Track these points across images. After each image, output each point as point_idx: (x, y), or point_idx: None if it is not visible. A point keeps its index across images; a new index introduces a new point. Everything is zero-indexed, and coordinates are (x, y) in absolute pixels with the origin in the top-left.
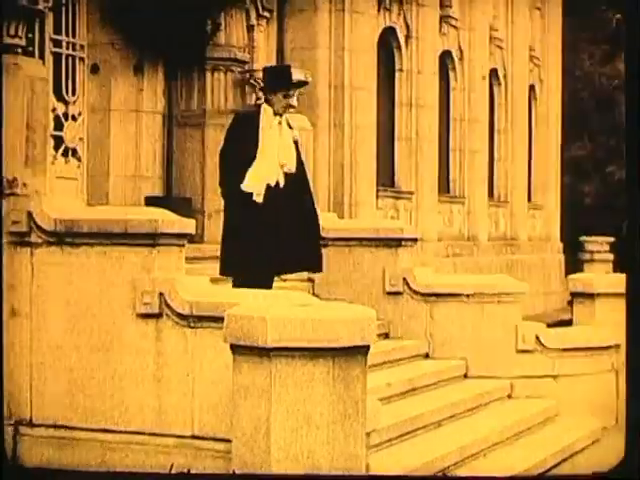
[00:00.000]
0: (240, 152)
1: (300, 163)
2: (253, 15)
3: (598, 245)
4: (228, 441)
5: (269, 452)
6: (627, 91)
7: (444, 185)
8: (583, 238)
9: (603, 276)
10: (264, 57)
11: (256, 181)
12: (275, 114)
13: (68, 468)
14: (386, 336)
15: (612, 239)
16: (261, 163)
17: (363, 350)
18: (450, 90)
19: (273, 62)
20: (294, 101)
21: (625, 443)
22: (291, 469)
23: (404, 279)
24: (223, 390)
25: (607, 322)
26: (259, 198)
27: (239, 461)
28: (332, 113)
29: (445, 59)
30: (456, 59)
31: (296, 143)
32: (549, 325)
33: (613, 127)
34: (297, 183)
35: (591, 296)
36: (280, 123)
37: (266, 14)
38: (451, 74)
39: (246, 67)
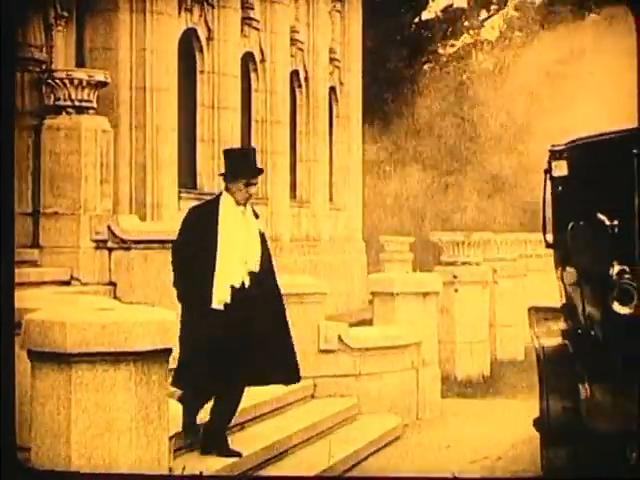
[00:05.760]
0: (198, 250)
1: (268, 258)
2: (51, 14)
3: (398, 245)
4: (27, 450)
5: (69, 459)
6: None
7: None
8: (383, 238)
9: (403, 275)
10: (63, 57)
11: (220, 285)
12: (237, 204)
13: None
14: None
15: (412, 239)
16: (224, 262)
17: (165, 353)
18: (252, 92)
19: (72, 63)
20: (253, 190)
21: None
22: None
23: None
24: (22, 398)
25: (407, 321)
26: (219, 305)
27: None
28: (133, 114)
29: (247, 61)
30: (258, 61)
31: (262, 236)
32: (351, 325)
33: (413, 129)
34: (265, 282)
35: (391, 295)
36: (244, 213)
37: (65, 13)
38: (253, 76)
39: (44, 67)
